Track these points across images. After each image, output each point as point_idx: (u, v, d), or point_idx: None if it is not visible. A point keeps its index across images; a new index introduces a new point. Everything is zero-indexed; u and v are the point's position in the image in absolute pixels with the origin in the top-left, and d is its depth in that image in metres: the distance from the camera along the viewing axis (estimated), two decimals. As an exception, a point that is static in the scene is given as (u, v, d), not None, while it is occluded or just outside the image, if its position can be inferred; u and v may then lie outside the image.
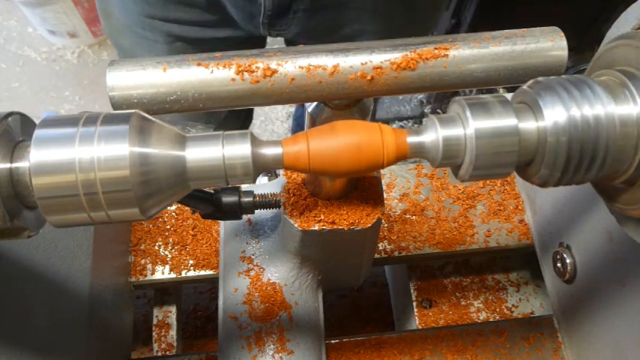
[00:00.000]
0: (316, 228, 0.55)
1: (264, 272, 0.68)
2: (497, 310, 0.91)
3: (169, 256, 0.83)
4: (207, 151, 0.38)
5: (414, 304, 0.91)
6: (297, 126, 1.76)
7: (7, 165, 0.36)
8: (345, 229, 0.54)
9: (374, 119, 0.57)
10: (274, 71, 0.42)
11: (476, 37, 0.44)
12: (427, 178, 0.89)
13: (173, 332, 0.89)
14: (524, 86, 0.40)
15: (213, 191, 0.59)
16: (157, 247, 0.84)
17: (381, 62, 0.42)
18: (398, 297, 1.04)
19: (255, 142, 0.39)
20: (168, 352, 0.88)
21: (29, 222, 0.38)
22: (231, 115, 1.12)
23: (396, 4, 0.88)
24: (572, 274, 0.71)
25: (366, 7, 0.86)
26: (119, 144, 0.35)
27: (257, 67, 0.42)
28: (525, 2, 1.87)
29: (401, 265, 0.96)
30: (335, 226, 0.54)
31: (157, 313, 0.91)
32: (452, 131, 0.38)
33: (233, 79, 0.42)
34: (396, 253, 0.84)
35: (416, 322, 0.89)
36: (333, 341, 0.77)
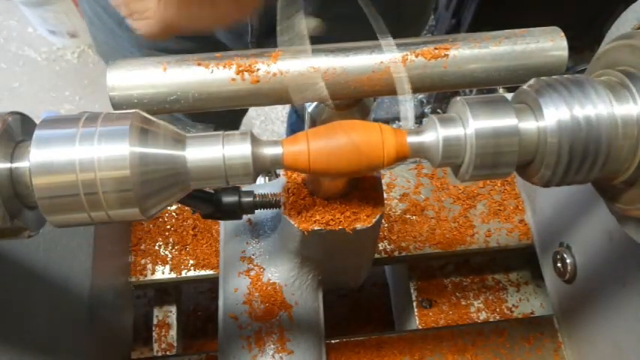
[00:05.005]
0: (316, 228, 0.54)
1: (265, 272, 0.68)
2: (498, 310, 0.91)
3: (169, 256, 0.83)
4: (207, 151, 0.38)
5: (414, 304, 0.91)
6: (292, 132, 1.75)
7: (8, 165, 0.36)
8: (346, 229, 0.54)
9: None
10: (274, 71, 0.42)
11: (476, 37, 0.44)
12: (427, 178, 0.89)
13: (173, 332, 0.89)
14: (524, 86, 0.40)
15: (213, 191, 0.59)
16: (157, 247, 0.84)
17: (382, 62, 0.42)
18: (398, 297, 1.04)
19: (255, 142, 0.39)
20: (168, 352, 0.88)
21: (29, 222, 0.38)
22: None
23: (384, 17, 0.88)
24: (572, 274, 0.71)
25: (352, 25, 0.85)
26: (119, 144, 0.35)
27: (257, 67, 0.42)
28: (525, 2, 1.87)
29: (401, 265, 0.96)
30: (335, 226, 0.54)
31: (157, 313, 0.91)
32: (452, 131, 0.38)
33: (233, 79, 0.42)
34: (396, 253, 0.84)
35: (416, 322, 0.89)
36: (333, 341, 0.77)
